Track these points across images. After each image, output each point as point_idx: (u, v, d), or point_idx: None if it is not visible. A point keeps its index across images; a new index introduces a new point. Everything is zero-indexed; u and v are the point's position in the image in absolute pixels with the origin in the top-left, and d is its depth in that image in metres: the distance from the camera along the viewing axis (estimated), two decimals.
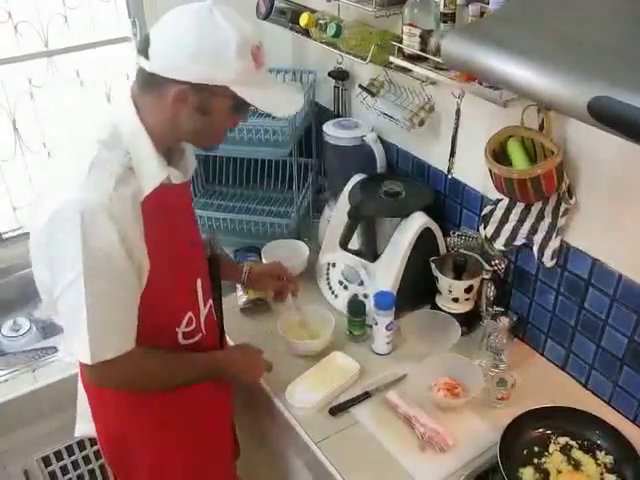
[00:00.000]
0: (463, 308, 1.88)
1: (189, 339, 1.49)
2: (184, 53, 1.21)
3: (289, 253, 2.17)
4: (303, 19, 1.91)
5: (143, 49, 1.26)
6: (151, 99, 1.28)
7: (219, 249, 1.80)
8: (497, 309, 1.84)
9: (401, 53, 1.70)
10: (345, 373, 1.73)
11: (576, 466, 1.50)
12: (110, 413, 1.52)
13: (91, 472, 2.14)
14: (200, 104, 1.27)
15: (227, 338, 1.79)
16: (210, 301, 1.57)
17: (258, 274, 1.84)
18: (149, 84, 1.27)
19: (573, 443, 1.55)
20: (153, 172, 1.28)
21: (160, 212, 1.30)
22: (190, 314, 1.47)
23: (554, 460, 1.51)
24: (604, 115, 0.92)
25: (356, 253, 1.94)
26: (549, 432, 1.57)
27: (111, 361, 1.27)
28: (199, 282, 1.49)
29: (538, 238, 1.70)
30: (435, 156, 1.98)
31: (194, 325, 1.48)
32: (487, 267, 1.84)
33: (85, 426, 1.62)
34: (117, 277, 1.24)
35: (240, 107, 1.30)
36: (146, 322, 1.32)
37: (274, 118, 2.06)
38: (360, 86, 2.05)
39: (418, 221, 1.84)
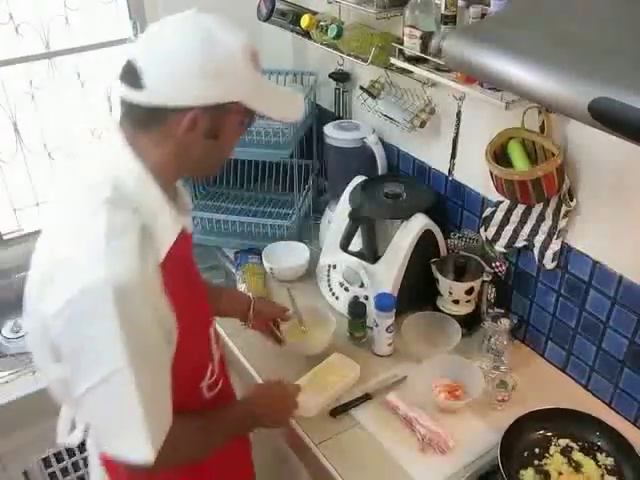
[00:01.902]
0: (464, 310, 1.88)
1: (213, 390, 1.37)
2: (189, 74, 1.06)
3: (290, 255, 2.17)
4: (304, 21, 1.91)
5: (132, 80, 1.08)
6: (153, 136, 1.12)
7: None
8: (498, 311, 1.84)
9: (402, 55, 1.71)
10: (346, 375, 1.73)
11: (577, 468, 1.50)
12: None
13: None
14: (211, 127, 1.12)
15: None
16: (220, 341, 1.46)
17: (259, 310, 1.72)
18: (147, 120, 1.11)
19: (574, 445, 1.55)
20: (168, 227, 1.14)
21: (177, 268, 1.16)
22: (210, 365, 1.35)
23: (555, 462, 1.51)
24: (605, 116, 0.92)
25: (357, 255, 1.94)
26: (550, 434, 1.57)
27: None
28: (211, 330, 1.38)
29: (539, 240, 1.70)
30: (436, 158, 1.99)
31: (215, 374, 1.37)
32: (488, 269, 1.84)
33: None
34: (159, 358, 1.12)
35: (248, 120, 1.19)
36: (174, 387, 1.17)
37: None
38: (361, 88, 2.05)
39: (419, 223, 1.84)
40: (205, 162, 1.21)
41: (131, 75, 1.08)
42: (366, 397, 1.69)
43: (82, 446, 2.06)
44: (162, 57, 1.07)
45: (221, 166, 1.30)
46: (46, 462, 2.03)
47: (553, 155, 1.53)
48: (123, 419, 1.09)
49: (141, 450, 1.09)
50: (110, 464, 1.34)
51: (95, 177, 1.13)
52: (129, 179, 1.11)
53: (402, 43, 1.68)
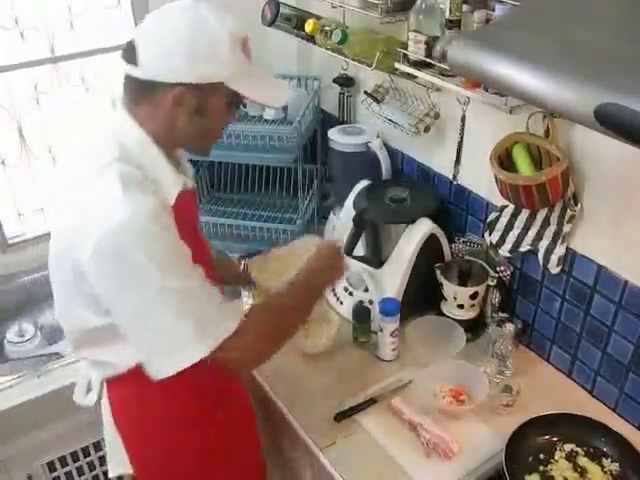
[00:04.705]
0: (468, 314, 1.88)
1: None
2: (178, 54, 1.19)
3: None
4: (308, 25, 1.92)
5: (130, 57, 1.23)
6: (147, 108, 1.26)
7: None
8: (502, 315, 1.84)
9: (406, 59, 1.70)
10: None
11: (582, 473, 1.50)
12: (149, 451, 1.47)
13: (95, 478, 2.14)
14: (198, 105, 1.25)
15: None
16: None
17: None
18: (143, 93, 1.25)
19: (579, 450, 1.54)
20: (171, 181, 1.28)
21: (183, 221, 1.26)
22: None
23: (560, 467, 1.51)
24: (611, 122, 0.92)
25: (361, 259, 1.94)
26: (555, 439, 1.57)
27: (237, 333, 1.24)
28: None
29: (543, 244, 1.70)
30: (440, 162, 1.98)
31: None
32: (492, 273, 1.84)
33: (120, 467, 1.52)
34: (193, 272, 1.23)
35: (234, 102, 1.30)
36: None
37: (274, 123, 2.03)
38: (365, 92, 2.05)
39: (423, 227, 1.84)
40: (195, 138, 1.32)
41: (130, 52, 1.22)
42: (370, 402, 1.69)
43: (86, 451, 2.08)
44: (156, 37, 1.22)
45: (210, 145, 1.39)
46: (50, 466, 2.03)
47: (558, 160, 1.53)
48: (177, 326, 1.20)
49: (202, 345, 1.20)
50: (122, 425, 1.46)
51: (101, 142, 1.28)
52: (132, 143, 1.25)
53: (406, 48, 1.68)
